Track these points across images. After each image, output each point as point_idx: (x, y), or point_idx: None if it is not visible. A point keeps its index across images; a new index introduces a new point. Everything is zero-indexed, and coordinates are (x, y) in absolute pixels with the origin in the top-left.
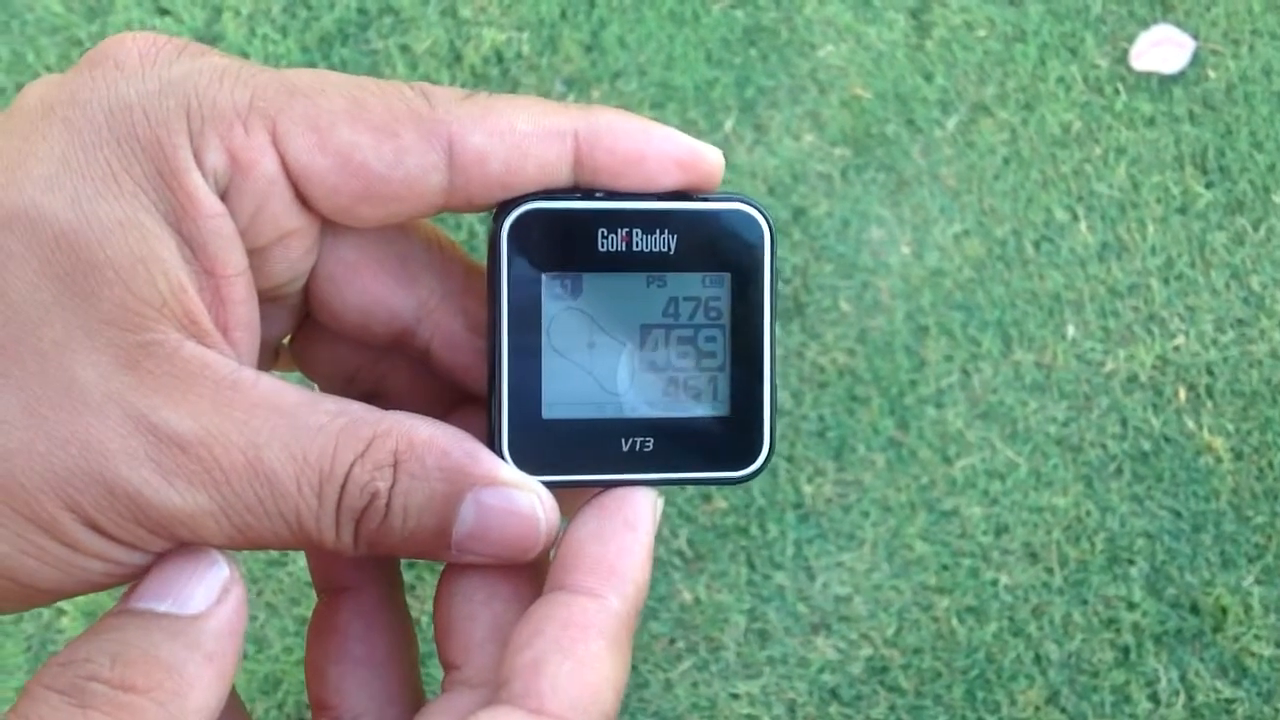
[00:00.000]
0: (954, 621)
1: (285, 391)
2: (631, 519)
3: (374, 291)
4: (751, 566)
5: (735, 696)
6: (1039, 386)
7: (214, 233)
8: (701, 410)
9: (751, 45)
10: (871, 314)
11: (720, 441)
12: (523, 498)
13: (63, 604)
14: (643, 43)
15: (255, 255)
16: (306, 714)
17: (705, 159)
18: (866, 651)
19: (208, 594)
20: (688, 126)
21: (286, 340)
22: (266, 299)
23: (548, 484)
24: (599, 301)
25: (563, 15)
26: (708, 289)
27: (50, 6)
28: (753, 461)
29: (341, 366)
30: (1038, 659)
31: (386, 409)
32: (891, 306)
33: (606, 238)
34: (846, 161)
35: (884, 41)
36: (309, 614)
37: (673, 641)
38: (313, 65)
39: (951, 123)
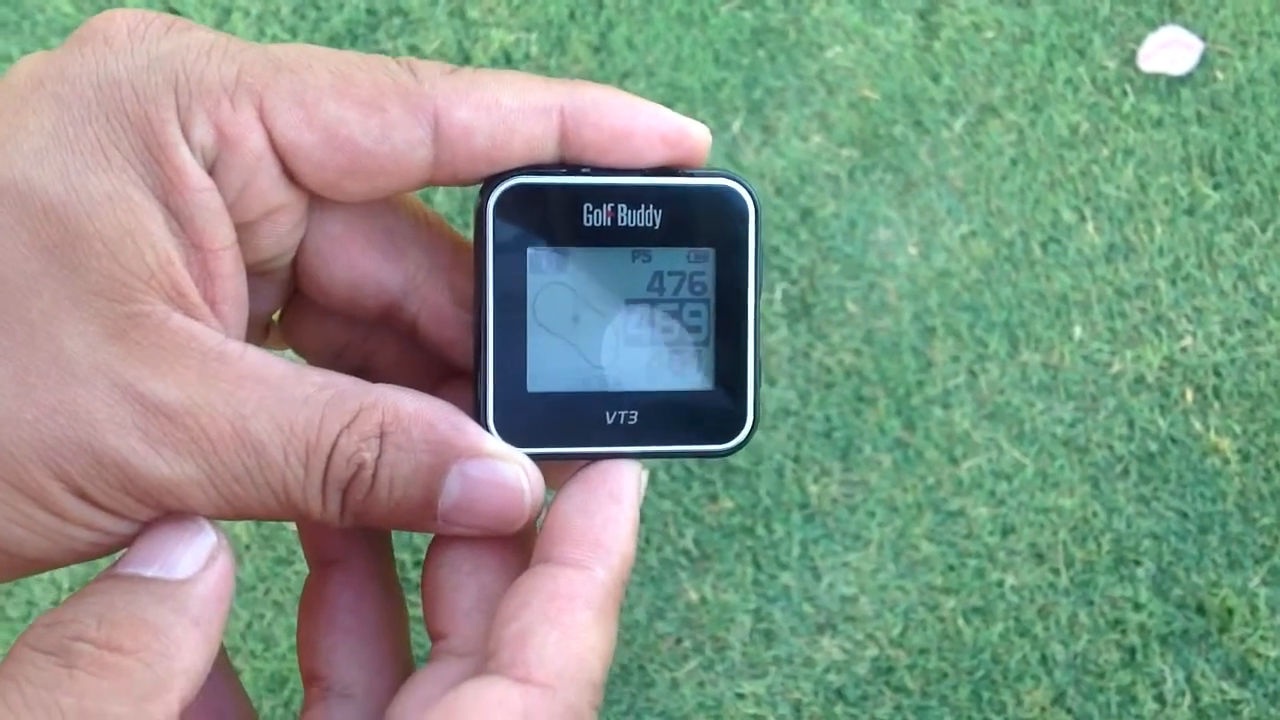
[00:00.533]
0: (960, 622)
1: (272, 364)
2: (616, 492)
3: (361, 266)
4: (757, 566)
5: (741, 696)
6: (1046, 387)
7: (201, 206)
8: (685, 384)
9: (759, 46)
10: (878, 314)
11: (704, 415)
12: (508, 470)
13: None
14: (651, 44)
15: (243, 230)
16: None
17: (691, 135)
18: (872, 652)
19: (195, 559)
20: None
21: (276, 316)
22: (255, 273)
23: (533, 456)
24: (584, 276)
25: (571, 16)
26: (692, 264)
27: (60, 7)
28: (737, 434)
29: (330, 341)
30: (1044, 659)
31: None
32: (898, 307)
33: (592, 213)
34: (854, 162)
35: (892, 43)
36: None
37: (679, 641)
38: None
39: (959, 124)
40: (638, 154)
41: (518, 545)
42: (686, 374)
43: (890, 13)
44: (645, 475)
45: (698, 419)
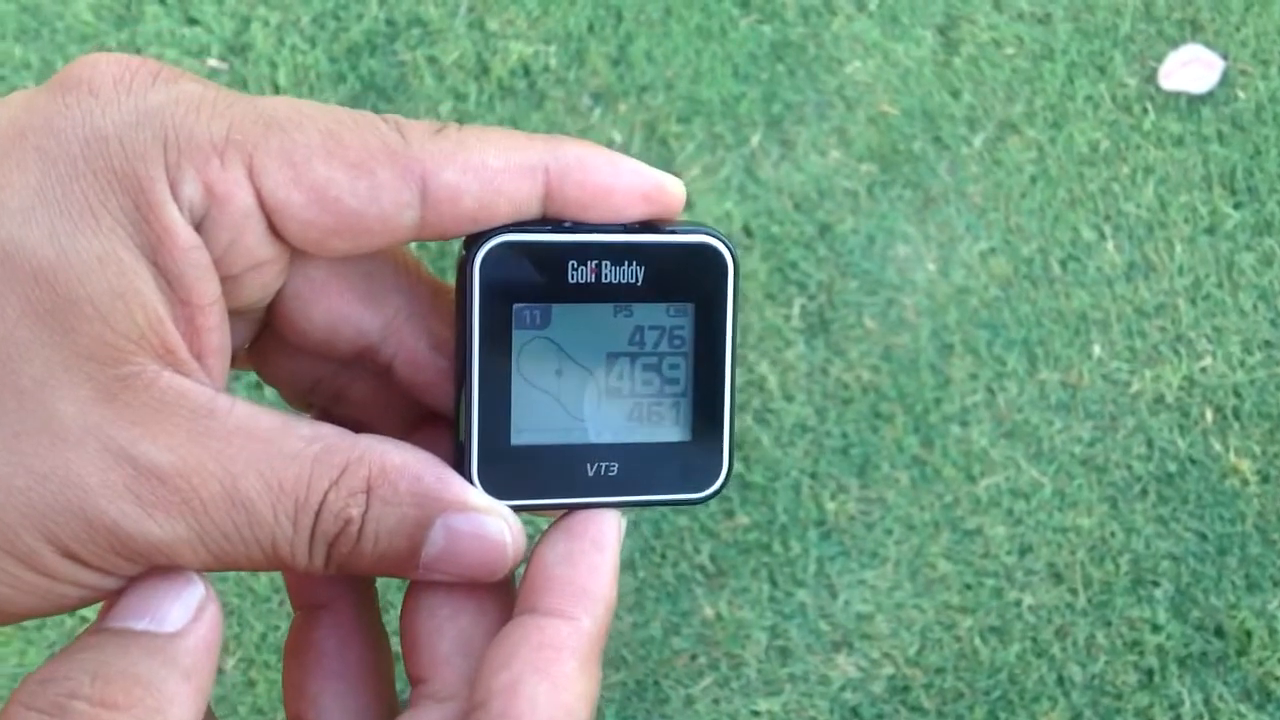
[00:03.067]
0: (977, 641)
1: (261, 417)
2: (599, 540)
3: (340, 310)
4: (773, 583)
5: (756, 714)
6: (1064, 406)
7: (190, 265)
8: (664, 435)
9: (779, 61)
10: (896, 331)
11: (682, 464)
12: (491, 523)
13: (85, 613)
14: (670, 57)
15: (228, 281)
16: None
17: (668, 191)
18: (888, 670)
19: (184, 612)
20: (714, 141)
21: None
22: (232, 314)
23: (515, 508)
24: (567, 331)
25: (590, 29)
26: (672, 318)
27: (80, 15)
28: (712, 483)
29: (302, 377)
30: (1060, 680)
31: (350, 419)
32: (916, 324)
33: (576, 269)
34: (873, 178)
35: (912, 58)
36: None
37: (694, 658)
38: (341, 77)
39: (979, 140)
40: (619, 210)
41: (495, 591)
42: (665, 426)
43: (910, 28)
44: (624, 523)
45: (676, 469)
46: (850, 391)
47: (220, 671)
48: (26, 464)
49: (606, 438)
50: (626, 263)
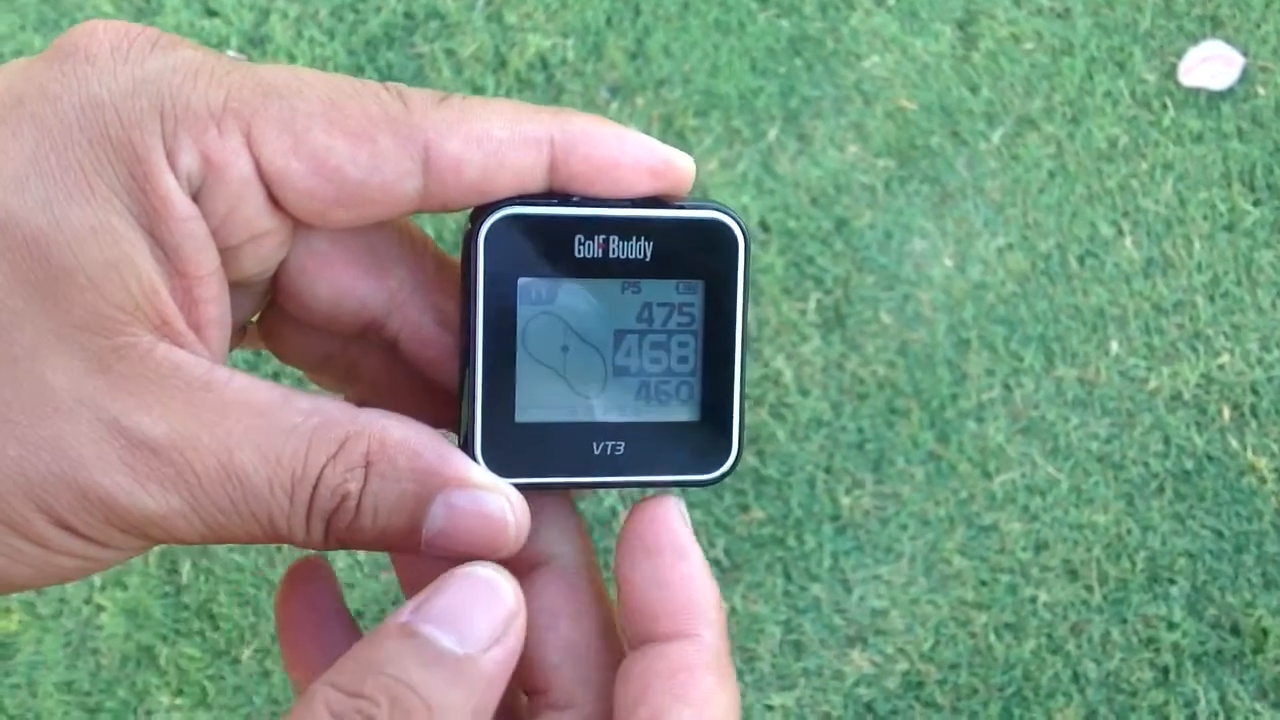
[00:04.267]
0: (991, 638)
1: (259, 390)
2: (679, 548)
3: (344, 283)
4: (788, 578)
5: (770, 708)
6: (1081, 403)
7: (187, 235)
8: (672, 415)
9: (797, 55)
10: (913, 326)
11: (690, 445)
12: (493, 500)
13: (101, 601)
14: (687, 51)
15: (227, 253)
16: None
17: (677, 166)
18: (903, 666)
19: (491, 629)
20: (731, 135)
21: (255, 318)
22: (234, 286)
23: (519, 485)
24: (574, 306)
25: (608, 22)
26: (682, 295)
27: (100, 6)
28: (721, 464)
29: (312, 351)
30: (1076, 677)
31: (361, 393)
32: (933, 319)
33: (584, 244)
34: (890, 173)
35: (930, 53)
36: (359, 605)
37: None
38: (359, 69)
39: (997, 135)
40: (625, 185)
41: (584, 588)
42: (673, 405)
43: (929, 23)
44: (684, 509)
45: (683, 449)
46: (866, 386)
47: (235, 661)
48: (18, 434)
49: (613, 416)
50: (635, 238)
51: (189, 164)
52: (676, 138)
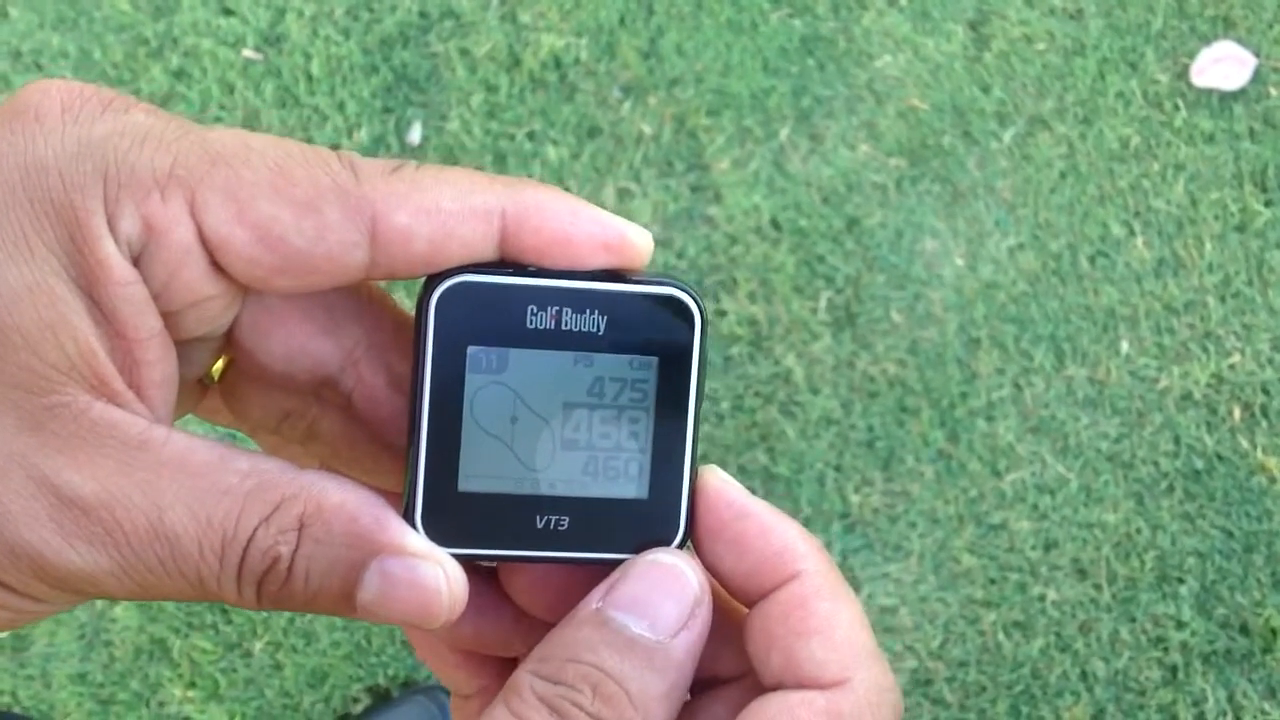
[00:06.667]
0: (1000, 636)
1: (197, 450)
2: (738, 509)
3: (298, 340)
4: None
5: None
6: (1091, 402)
7: (125, 299)
8: (619, 491)
9: (809, 54)
10: (923, 325)
11: (635, 523)
12: (428, 569)
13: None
14: (700, 50)
15: (171, 316)
16: (353, 707)
17: (631, 241)
18: (911, 663)
19: (679, 613)
20: (743, 134)
21: (216, 371)
22: (185, 344)
23: (458, 556)
24: (524, 377)
25: (621, 22)
26: (635, 371)
27: (118, 4)
28: (667, 545)
29: (270, 408)
30: (1084, 676)
31: (321, 453)
32: (944, 318)
33: (536, 314)
34: (902, 172)
35: (942, 53)
36: None
37: None
38: (374, 68)
39: (1008, 135)
40: (578, 259)
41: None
42: (621, 481)
43: (941, 23)
44: (726, 475)
45: (629, 527)
46: (876, 385)
47: (248, 654)
48: None
49: (559, 490)
50: (589, 310)
51: (129, 229)
52: (689, 137)
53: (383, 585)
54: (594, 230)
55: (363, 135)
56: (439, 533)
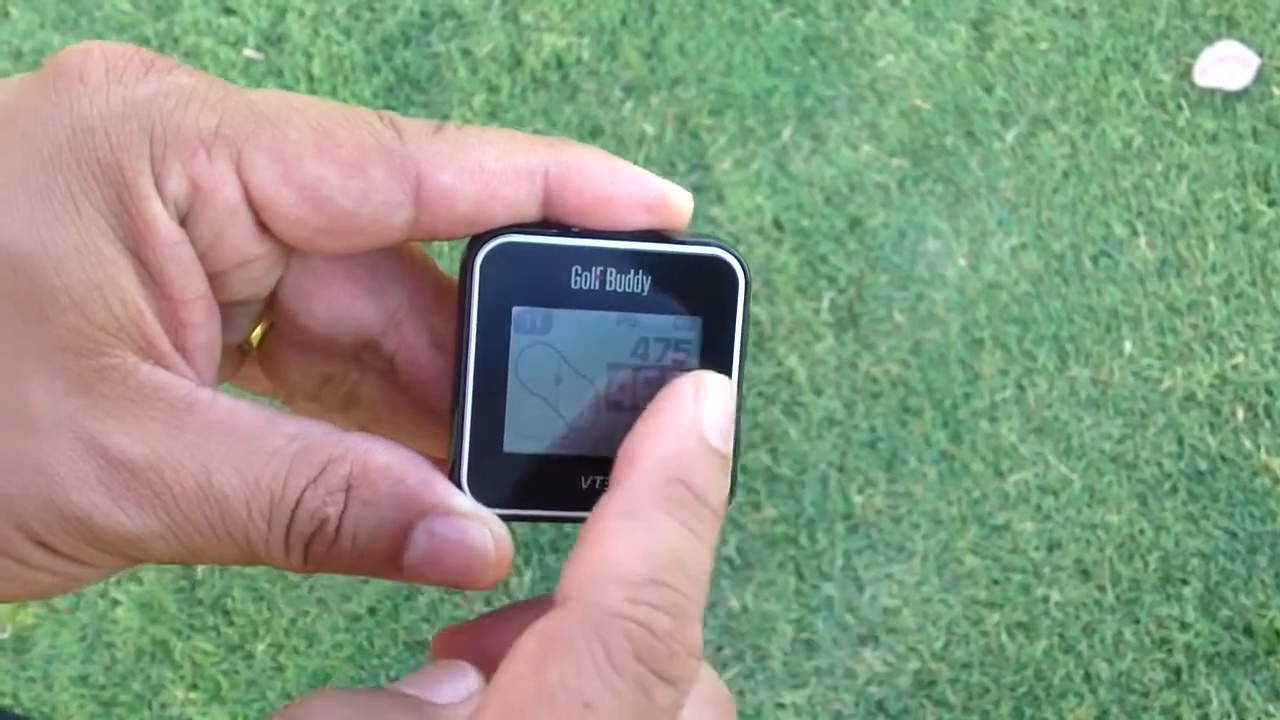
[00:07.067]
0: (1004, 637)
1: (242, 412)
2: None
3: (342, 302)
4: (800, 576)
5: (781, 706)
6: (1095, 403)
7: (172, 260)
8: None
9: (811, 54)
10: (926, 326)
11: None
12: (474, 529)
13: (117, 596)
14: (702, 50)
15: (216, 277)
16: None
17: (672, 202)
18: (914, 665)
19: (454, 694)
20: (745, 134)
21: (255, 337)
22: (228, 307)
23: (503, 515)
24: (568, 338)
25: (623, 21)
26: (678, 331)
27: (118, 4)
28: None
29: (310, 373)
30: (1088, 677)
31: (361, 418)
32: (946, 319)
33: (580, 275)
34: (904, 172)
35: (945, 53)
36: (359, 609)
37: (719, 649)
38: (376, 68)
39: (1011, 135)
40: (620, 218)
41: None
42: None
43: (943, 23)
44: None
45: None
46: (879, 385)
47: (249, 656)
48: None
49: (603, 450)
50: (633, 271)
51: (176, 189)
52: (691, 137)
53: (430, 545)
54: (634, 190)
55: None
56: (484, 493)
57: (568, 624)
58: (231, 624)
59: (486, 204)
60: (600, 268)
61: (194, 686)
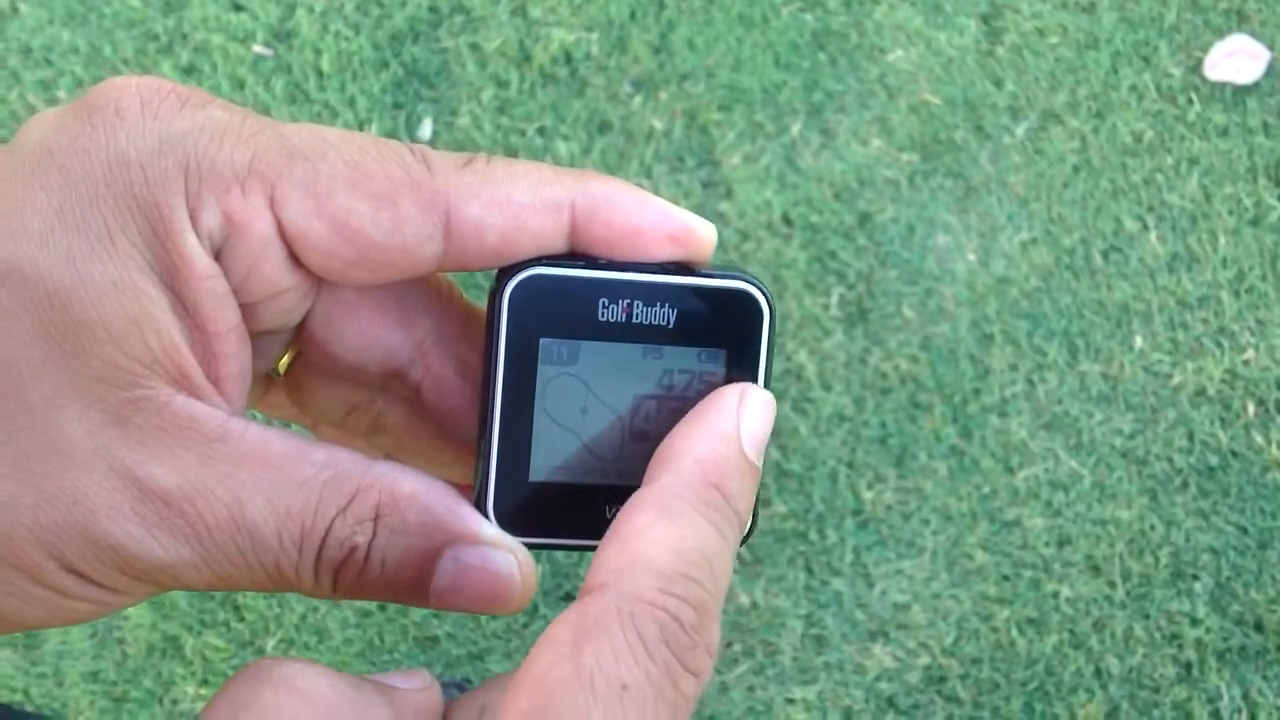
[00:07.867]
0: (1014, 633)
1: (273, 442)
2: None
3: (371, 332)
4: (810, 572)
5: (791, 701)
6: (1105, 398)
7: (207, 293)
8: None
9: (820, 49)
10: (936, 321)
11: None
12: (501, 558)
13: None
14: (711, 45)
15: (248, 308)
16: None
17: (697, 234)
18: (924, 660)
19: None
20: (754, 130)
21: (282, 366)
22: (258, 335)
23: (529, 544)
24: (595, 369)
25: (632, 16)
26: (703, 363)
27: (128, 0)
28: None
29: (337, 402)
30: (1098, 673)
31: (387, 446)
32: (956, 314)
33: (607, 307)
34: (914, 167)
35: (954, 47)
36: (369, 605)
37: (729, 645)
38: (384, 64)
39: (1021, 130)
40: (646, 251)
41: None
42: None
43: (953, 17)
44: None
45: None
46: (889, 381)
47: (260, 652)
48: (35, 482)
49: (629, 480)
50: (659, 304)
51: (211, 223)
52: (700, 132)
53: (456, 573)
54: (660, 222)
55: (373, 131)
56: (510, 522)
57: (602, 609)
58: (242, 620)
59: (514, 236)
60: (627, 300)
61: (204, 682)
